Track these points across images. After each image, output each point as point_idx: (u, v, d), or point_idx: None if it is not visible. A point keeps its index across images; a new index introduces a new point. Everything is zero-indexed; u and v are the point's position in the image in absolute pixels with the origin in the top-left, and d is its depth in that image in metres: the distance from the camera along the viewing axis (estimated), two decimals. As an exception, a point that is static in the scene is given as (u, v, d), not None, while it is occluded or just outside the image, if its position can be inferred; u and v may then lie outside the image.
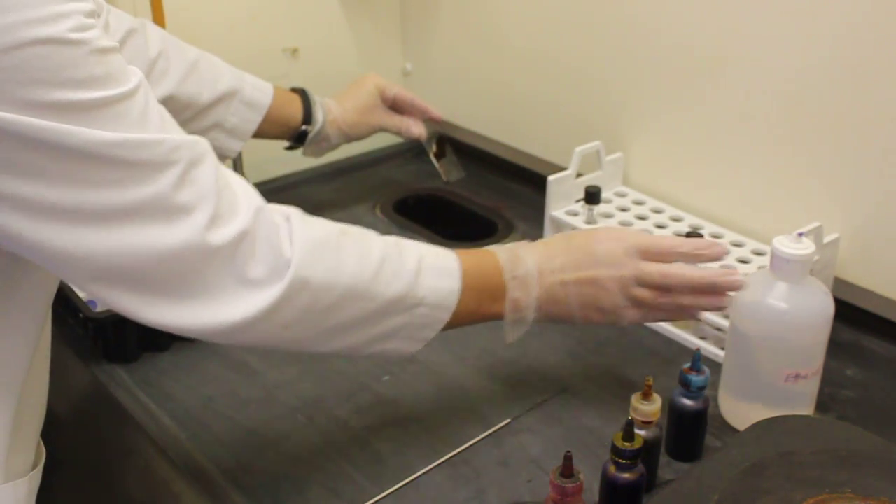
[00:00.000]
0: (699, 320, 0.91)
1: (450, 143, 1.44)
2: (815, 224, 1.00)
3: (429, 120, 1.34)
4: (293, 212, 0.73)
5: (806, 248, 0.85)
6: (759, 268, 1.04)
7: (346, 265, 0.73)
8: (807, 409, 0.90)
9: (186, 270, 0.66)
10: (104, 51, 0.61)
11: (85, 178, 0.61)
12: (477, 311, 0.83)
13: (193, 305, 0.67)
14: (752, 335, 0.87)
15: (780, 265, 0.85)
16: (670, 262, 0.86)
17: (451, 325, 0.82)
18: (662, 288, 0.86)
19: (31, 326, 0.74)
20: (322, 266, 0.71)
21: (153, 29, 1.09)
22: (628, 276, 0.85)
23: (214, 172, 0.67)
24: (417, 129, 1.31)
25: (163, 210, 0.64)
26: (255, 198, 0.70)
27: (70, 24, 0.58)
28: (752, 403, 0.89)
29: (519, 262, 0.85)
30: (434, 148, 1.40)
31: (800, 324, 0.86)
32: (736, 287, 0.86)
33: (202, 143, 0.67)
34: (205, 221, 0.65)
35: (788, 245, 0.85)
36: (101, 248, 0.63)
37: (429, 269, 0.79)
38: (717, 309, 0.89)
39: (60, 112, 0.58)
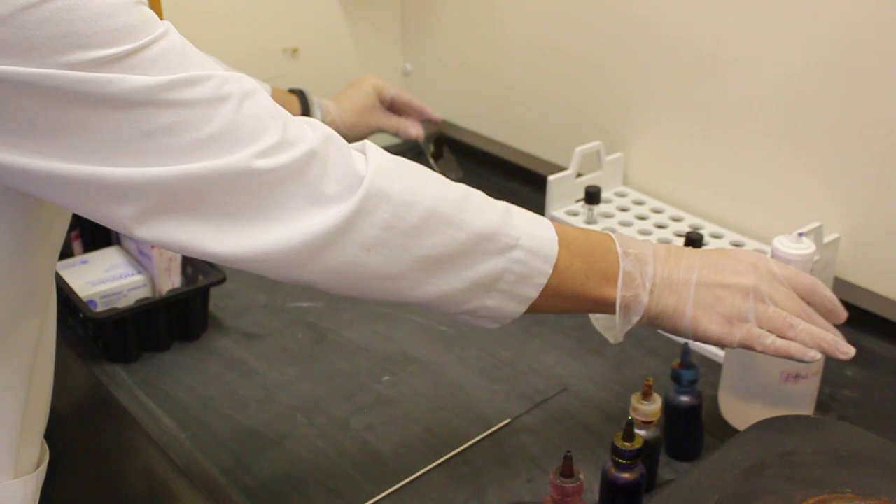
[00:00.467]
0: (805, 361, 0.80)
1: (447, 143, 1.44)
2: (815, 224, 1.00)
3: (427, 121, 1.35)
4: (366, 143, 0.70)
5: (806, 247, 0.85)
6: None
7: (428, 186, 0.68)
8: (807, 409, 0.90)
9: (254, 193, 0.62)
10: (135, 1, 0.60)
11: (139, 128, 0.58)
12: (584, 286, 0.74)
13: (266, 227, 0.63)
14: None
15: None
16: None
17: (552, 299, 0.74)
18: (798, 313, 0.77)
19: (35, 317, 0.73)
20: (401, 181, 0.67)
21: None
22: (753, 285, 0.76)
23: (270, 103, 0.65)
24: (415, 130, 1.32)
25: (225, 146, 0.61)
26: (323, 126, 0.67)
27: None
28: (751, 404, 0.89)
29: (634, 242, 0.77)
30: (432, 148, 1.40)
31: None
32: (844, 355, 0.79)
33: (248, 79, 0.65)
34: (269, 146, 0.62)
35: (789, 245, 0.85)
36: (167, 178, 0.60)
37: (519, 215, 0.73)
38: (827, 352, 0.80)
39: (102, 64, 0.57)
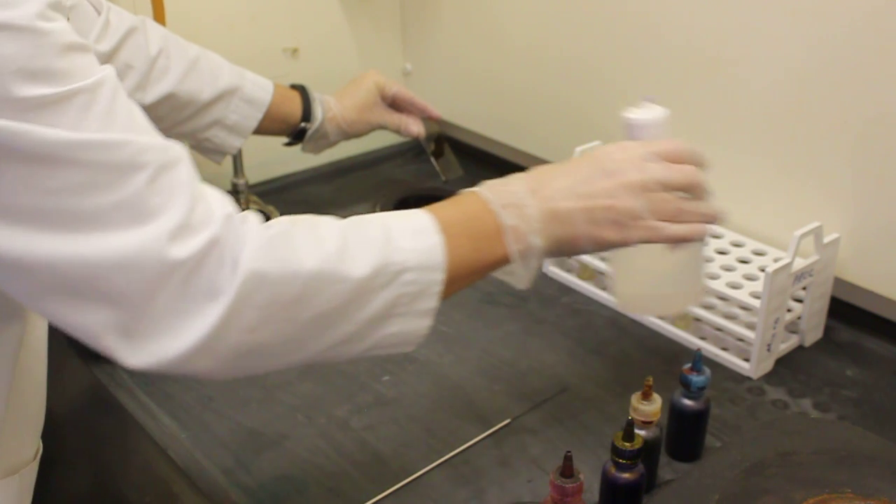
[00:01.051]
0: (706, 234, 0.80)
1: (448, 142, 1.44)
2: (816, 224, 1.00)
3: (427, 119, 1.34)
4: (248, 213, 0.67)
5: (656, 110, 0.83)
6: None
7: (303, 250, 0.66)
8: (697, 280, 0.85)
9: (146, 287, 0.60)
10: (70, 46, 0.57)
11: (41, 184, 0.56)
12: (477, 259, 0.73)
13: (166, 327, 0.61)
14: None
15: (640, 133, 0.83)
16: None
17: (454, 285, 0.73)
18: (686, 188, 0.79)
19: (13, 321, 0.71)
20: (276, 256, 0.64)
21: (154, 27, 1.10)
22: (640, 179, 0.76)
23: (188, 180, 0.62)
24: (416, 128, 1.31)
25: (128, 218, 0.59)
26: (220, 207, 0.64)
27: (31, 10, 0.54)
28: (641, 289, 0.84)
29: (506, 191, 0.76)
30: (432, 146, 1.40)
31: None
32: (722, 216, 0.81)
33: (175, 149, 0.63)
34: (169, 232, 0.60)
35: (639, 112, 0.83)
36: (61, 256, 0.57)
37: (399, 233, 0.71)
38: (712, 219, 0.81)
39: (13, 107, 0.54)
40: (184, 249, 0.60)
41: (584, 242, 0.76)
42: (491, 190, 0.76)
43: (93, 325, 0.61)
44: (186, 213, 0.60)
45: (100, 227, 0.58)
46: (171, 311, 0.61)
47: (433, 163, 1.41)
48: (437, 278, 0.70)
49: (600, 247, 0.77)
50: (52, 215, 0.57)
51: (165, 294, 0.60)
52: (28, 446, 0.79)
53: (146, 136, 0.61)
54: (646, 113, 0.83)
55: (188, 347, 0.61)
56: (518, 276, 0.76)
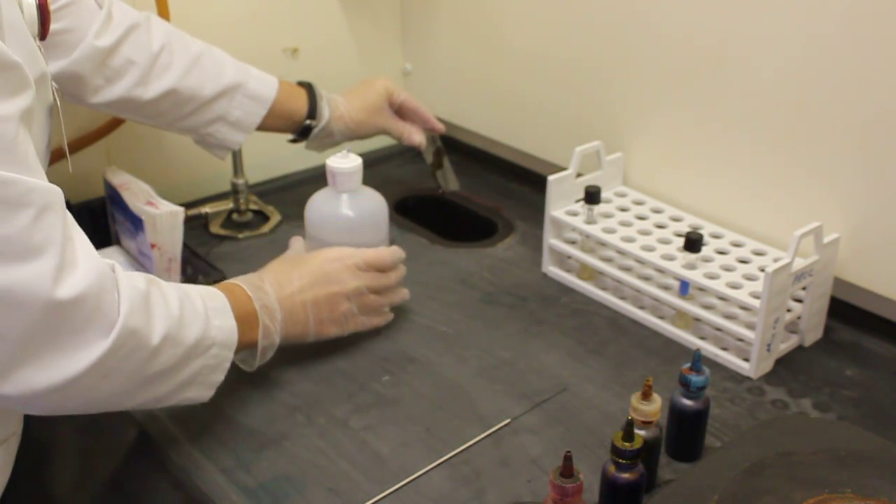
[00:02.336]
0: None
1: (448, 154, 1.44)
2: (816, 224, 1.00)
3: (430, 131, 1.34)
4: (114, 263, 0.73)
5: (353, 161, 1.03)
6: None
7: (158, 312, 0.74)
8: None
9: (25, 322, 0.63)
10: None
11: None
12: (241, 343, 0.86)
13: (28, 362, 0.65)
14: (329, 244, 1.02)
15: (341, 180, 1.03)
16: (387, 271, 1.03)
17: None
18: (385, 290, 1.02)
19: None
20: (143, 314, 0.72)
21: (158, 23, 1.10)
22: (361, 285, 0.99)
23: (62, 223, 0.66)
24: (418, 137, 1.32)
25: (13, 253, 0.62)
26: (94, 253, 0.69)
27: None
28: None
29: (262, 291, 0.92)
30: (432, 158, 1.40)
31: (363, 224, 1.05)
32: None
33: (56, 192, 0.66)
34: (51, 271, 0.64)
35: (340, 161, 1.03)
36: None
37: (213, 311, 0.82)
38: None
39: None
40: (67, 290, 0.64)
41: (311, 338, 0.98)
42: (251, 288, 0.91)
43: None
44: (68, 254, 0.65)
45: None
46: (47, 348, 0.65)
47: (432, 175, 1.41)
48: (230, 356, 0.84)
49: (322, 339, 0.99)
50: None
51: (44, 331, 0.64)
52: (14, 422, 0.81)
53: (35, 175, 0.64)
54: (345, 162, 1.03)
55: (55, 383, 0.66)
56: (249, 363, 0.93)
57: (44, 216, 0.64)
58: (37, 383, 0.66)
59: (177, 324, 0.76)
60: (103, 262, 0.70)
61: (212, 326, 0.80)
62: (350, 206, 1.05)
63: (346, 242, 1.02)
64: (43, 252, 0.64)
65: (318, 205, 1.06)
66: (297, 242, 1.07)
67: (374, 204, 1.07)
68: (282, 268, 0.97)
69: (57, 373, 0.66)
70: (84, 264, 0.67)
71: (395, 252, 1.04)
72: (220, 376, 0.83)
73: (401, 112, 1.31)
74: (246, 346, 0.90)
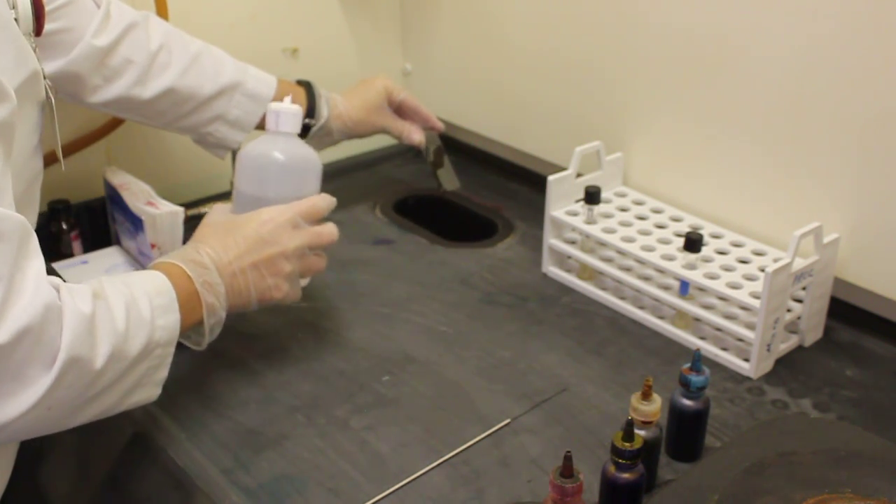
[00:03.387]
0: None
1: (449, 153, 1.44)
2: (816, 224, 1.00)
3: (429, 129, 1.34)
4: (60, 285, 0.71)
5: (295, 106, 0.98)
6: None
7: (102, 332, 0.73)
8: None
9: None
10: None
11: None
12: (184, 325, 0.84)
13: None
14: (260, 187, 0.97)
15: (284, 119, 0.97)
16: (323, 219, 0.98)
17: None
18: (326, 245, 0.97)
19: None
20: (87, 341, 0.71)
21: (156, 22, 1.10)
22: (302, 244, 0.94)
23: (13, 254, 0.65)
24: (418, 136, 1.31)
25: None
26: (42, 283, 0.68)
27: None
28: None
29: (202, 267, 0.89)
30: (432, 157, 1.40)
31: (296, 171, 0.98)
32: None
33: (9, 219, 0.65)
34: None
35: (282, 104, 0.98)
36: None
37: (158, 309, 0.80)
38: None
39: None
40: (6, 331, 0.63)
41: (254, 306, 0.94)
42: (191, 266, 0.87)
43: None
44: (14, 286, 0.64)
45: None
46: None
47: (433, 174, 1.41)
48: (171, 351, 0.82)
49: (265, 306, 0.94)
50: None
51: None
52: None
53: None
54: (287, 106, 0.98)
55: (9, 417, 0.66)
56: (197, 341, 0.91)
57: None
58: None
59: (122, 339, 0.75)
60: (49, 292, 0.68)
61: (156, 329, 0.79)
62: (284, 151, 0.97)
63: (278, 192, 0.96)
64: None
65: (253, 148, 0.98)
66: (218, 208, 1.00)
67: (309, 153, 1.00)
68: (216, 236, 0.93)
69: (9, 408, 0.66)
70: (28, 297, 0.66)
71: (327, 198, 0.98)
72: (164, 372, 0.82)
73: (400, 111, 1.31)
74: (191, 327, 0.88)
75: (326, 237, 0.97)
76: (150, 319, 0.78)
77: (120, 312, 0.75)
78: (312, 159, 1.00)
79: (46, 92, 0.80)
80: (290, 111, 0.98)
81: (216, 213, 0.98)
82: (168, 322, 0.81)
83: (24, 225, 0.67)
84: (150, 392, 0.82)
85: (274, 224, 0.93)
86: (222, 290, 0.89)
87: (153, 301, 0.80)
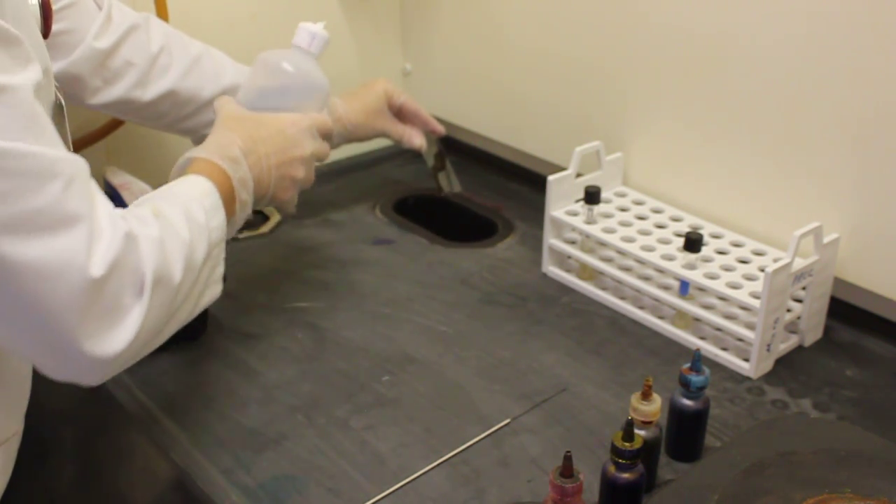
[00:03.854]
0: None
1: (448, 154, 1.44)
2: (815, 224, 1.00)
3: (430, 133, 1.34)
4: (124, 214, 0.73)
5: (326, 33, 1.06)
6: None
7: (175, 249, 0.76)
8: None
9: (66, 295, 0.64)
10: None
11: None
12: (231, 224, 0.89)
13: (76, 335, 0.66)
14: (282, 92, 1.02)
15: (314, 42, 1.05)
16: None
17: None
18: (323, 161, 1.04)
19: None
20: (164, 262, 0.73)
21: (157, 24, 1.10)
22: (314, 153, 1.00)
23: (89, 192, 0.68)
24: (419, 140, 1.31)
25: (47, 225, 0.63)
26: (115, 216, 0.70)
27: None
28: None
29: (237, 163, 0.91)
30: (433, 161, 1.39)
31: (313, 87, 1.04)
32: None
33: (80, 162, 0.68)
34: (83, 242, 0.65)
35: (317, 29, 1.05)
36: None
37: (209, 212, 0.83)
38: None
39: None
40: (99, 265, 0.66)
41: (265, 203, 0.97)
42: (227, 163, 0.90)
43: (20, 333, 0.66)
44: (95, 223, 0.66)
45: (23, 233, 0.62)
46: (93, 322, 0.66)
47: (434, 177, 1.41)
48: (224, 247, 0.85)
49: (274, 204, 0.99)
50: None
51: (87, 306, 0.65)
52: (14, 422, 0.81)
53: (57, 146, 0.65)
54: (322, 31, 1.06)
55: (109, 354, 0.68)
56: (229, 230, 0.90)
57: (72, 186, 0.65)
58: (95, 352, 0.67)
59: (189, 250, 0.77)
60: (124, 223, 0.70)
61: (211, 231, 0.82)
62: (312, 67, 1.04)
63: (297, 100, 1.02)
64: (75, 223, 0.65)
65: (283, 55, 1.04)
66: (229, 99, 1.03)
67: (324, 77, 1.06)
68: (245, 130, 0.95)
69: (109, 345, 0.68)
70: (109, 232, 0.68)
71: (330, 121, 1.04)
72: (222, 268, 0.85)
73: (400, 114, 1.31)
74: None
75: (327, 154, 1.04)
76: (205, 223, 0.81)
77: (182, 225, 0.78)
78: (326, 83, 1.06)
79: (56, 94, 0.80)
80: (323, 37, 1.05)
81: (232, 105, 1.01)
82: (219, 222, 0.84)
83: (86, 165, 0.69)
84: (215, 290, 0.84)
85: (297, 129, 0.98)
86: (251, 186, 0.92)
87: (203, 204, 0.83)
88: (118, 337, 0.68)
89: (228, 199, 0.88)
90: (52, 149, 0.64)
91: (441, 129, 1.34)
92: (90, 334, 0.66)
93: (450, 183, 1.42)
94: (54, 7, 0.96)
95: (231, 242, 1.28)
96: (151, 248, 0.72)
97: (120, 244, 0.68)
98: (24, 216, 0.62)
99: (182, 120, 1.13)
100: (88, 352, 0.66)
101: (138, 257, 0.70)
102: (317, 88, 1.05)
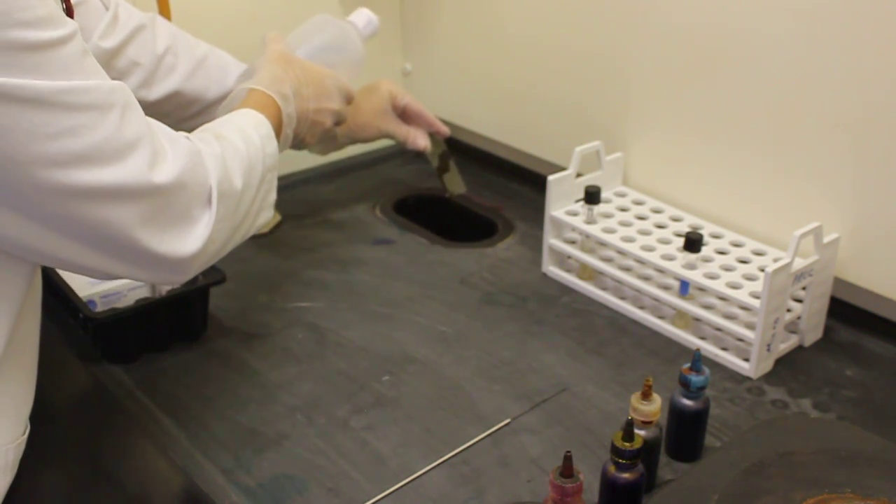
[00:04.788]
0: None
1: (454, 157, 1.43)
2: (815, 224, 1.00)
3: (434, 134, 1.33)
4: (188, 136, 0.79)
5: (377, 21, 1.21)
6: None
7: (234, 166, 0.81)
8: None
9: (138, 212, 0.70)
10: None
11: (42, 131, 0.63)
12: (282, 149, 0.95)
13: (155, 239, 0.72)
14: (334, 50, 1.14)
15: (368, 28, 1.20)
16: None
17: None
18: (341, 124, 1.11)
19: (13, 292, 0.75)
20: (227, 176, 0.79)
21: (162, 24, 1.10)
22: (341, 110, 1.07)
23: (143, 114, 0.72)
24: (423, 142, 1.30)
25: (112, 153, 0.67)
26: (174, 134, 0.75)
27: None
28: None
29: (287, 100, 0.98)
30: (437, 162, 1.39)
31: (354, 61, 1.17)
32: None
33: (128, 89, 0.71)
34: (147, 159, 0.69)
35: (372, 16, 1.20)
36: (71, 191, 0.65)
37: (264, 139, 0.88)
38: None
39: (15, 63, 0.60)
40: (165, 175, 0.71)
41: (294, 144, 1.03)
42: (280, 98, 0.97)
43: (103, 255, 0.71)
44: (156, 142, 0.71)
45: (95, 161, 0.66)
46: (167, 228, 0.73)
47: (438, 178, 1.40)
48: (276, 175, 0.90)
49: (301, 148, 1.08)
50: (56, 158, 0.64)
51: (157, 215, 0.71)
52: (24, 421, 0.81)
53: (106, 76, 0.69)
54: (375, 20, 1.21)
55: (192, 252, 0.75)
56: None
57: (128, 113, 0.69)
58: (172, 256, 0.73)
59: (248, 169, 0.83)
60: (184, 141, 0.76)
61: (266, 156, 0.87)
62: (359, 40, 1.17)
63: (343, 61, 1.14)
64: (137, 145, 0.69)
65: (344, 23, 1.18)
66: (279, 38, 1.10)
67: (363, 55, 1.18)
68: (294, 71, 1.01)
69: (183, 248, 0.74)
70: (171, 148, 0.73)
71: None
72: (274, 194, 0.91)
73: (405, 115, 1.31)
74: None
75: (346, 118, 1.11)
76: (261, 148, 0.87)
77: (241, 146, 0.84)
78: (363, 61, 1.18)
79: None
80: (376, 25, 1.21)
81: (282, 44, 1.08)
82: (272, 149, 0.89)
83: (130, 91, 0.72)
84: (268, 213, 0.90)
85: (333, 82, 1.05)
86: (294, 124, 0.99)
87: (259, 132, 0.88)
88: (190, 243, 0.75)
89: (276, 132, 0.93)
90: (105, 80, 0.68)
91: (446, 130, 1.33)
92: (166, 242, 0.72)
93: (455, 184, 1.42)
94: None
95: (231, 242, 1.28)
96: (215, 164, 0.78)
97: (184, 159, 0.73)
98: (94, 146, 0.66)
99: (186, 120, 1.13)
100: (166, 256, 0.73)
101: (204, 171, 0.76)
102: (355, 61, 1.16)
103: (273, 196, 0.91)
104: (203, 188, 0.76)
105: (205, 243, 0.76)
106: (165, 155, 0.72)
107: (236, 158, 0.82)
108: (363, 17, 1.20)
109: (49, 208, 0.66)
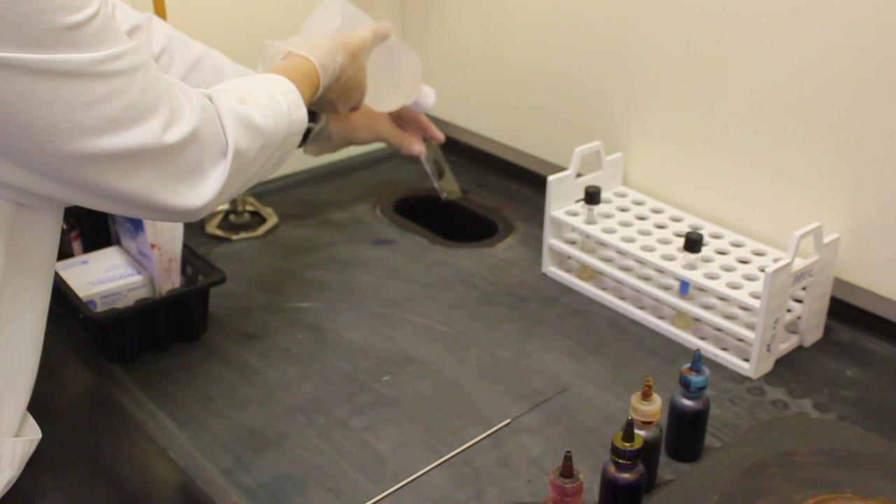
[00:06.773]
0: None
1: (448, 156, 1.43)
2: (815, 224, 1.00)
3: (430, 139, 1.33)
4: (209, 92, 0.82)
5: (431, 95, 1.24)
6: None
7: (257, 128, 0.84)
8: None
9: (157, 170, 0.73)
10: None
11: (80, 100, 0.66)
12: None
13: (170, 193, 0.75)
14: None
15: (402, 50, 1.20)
16: None
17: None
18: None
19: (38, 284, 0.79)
20: (245, 135, 0.82)
21: (158, 25, 1.10)
22: (359, 68, 1.07)
23: (160, 72, 0.74)
24: (418, 147, 1.29)
25: (136, 115, 0.70)
26: (190, 91, 0.78)
27: None
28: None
29: (327, 70, 1.01)
30: (433, 167, 1.39)
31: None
32: None
33: (144, 49, 0.73)
34: (166, 119, 0.72)
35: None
36: (107, 155, 0.69)
37: (293, 105, 0.91)
38: None
39: (55, 41, 0.63)
40: (175, 135, 0.73)
41: (327, 109, 1.09)
42: (322, 65, 1.00)
43: (121, 206, 0.75)
44: (173, 99, 0.74)
45: (124, 124, 0.69)
46: (181, 181, 0.76)
47: (434, 183, 1.40)
48: (299, 140, 0.94)
49: (326, 110, 1.11)
50: (93, 124, 0.67)
51: (171, 171, 0.75)
52: (17, 414, 0.81)
53: (127, 39, 0.71)
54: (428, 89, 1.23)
55: (203, 202, 0.78)
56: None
57: (150, 72, 0.71)
58: (182, 204, 0.77)
59: (270, 132, 0.86)
60: (200, 96, 0.79)
61: (292, 122, 0.90)
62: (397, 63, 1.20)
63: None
64: (158, 105, 0.72)
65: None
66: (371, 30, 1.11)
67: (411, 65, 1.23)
68: (345, 51, 1.04)
69: (195, 200, 0.77)
70: (187, 106, 0.75)
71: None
72: (290, 155, 0.94)
73: (400, 120, 1.30)
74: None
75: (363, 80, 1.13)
76: (287, 113, 0.89)
77: (268, 110, 0.86)
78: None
79: None
80: (427, 91, 1.24)
81: (364, 29, 1.09)
82: (300, 115, 0.92)
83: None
84: (278, 166, 0.93)
85: (351, 40, 1.06)
86: (321, 93, 1.02)
87: (287, 98, 0.90)
88: (202, 195, 0.78)
89: (313, 89, 0.98)
90: (128, 42, 0.70)
91: (441, 135, 1.32)
92: (180, 195, 0.76)
93: (450, 189, 1.41)
94: None
95: (231, 242, 1.28)
96: (233, 122, 0.81)
97: (198, 113, 0.76)
98: (123, 110, 0.68)
99: None
100: (179, 207, 0.76)
101: (218, 127, 0.79)
102: (413, 76, 1.22)
103: (288, 155, 0.93)
104: (216, 143, 0.79)
105: (215, 196, 0.79)
106: (182, 111, 0.75)
107: (258, 122, 0.84)
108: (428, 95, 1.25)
109: (79, 175, 0.69)
